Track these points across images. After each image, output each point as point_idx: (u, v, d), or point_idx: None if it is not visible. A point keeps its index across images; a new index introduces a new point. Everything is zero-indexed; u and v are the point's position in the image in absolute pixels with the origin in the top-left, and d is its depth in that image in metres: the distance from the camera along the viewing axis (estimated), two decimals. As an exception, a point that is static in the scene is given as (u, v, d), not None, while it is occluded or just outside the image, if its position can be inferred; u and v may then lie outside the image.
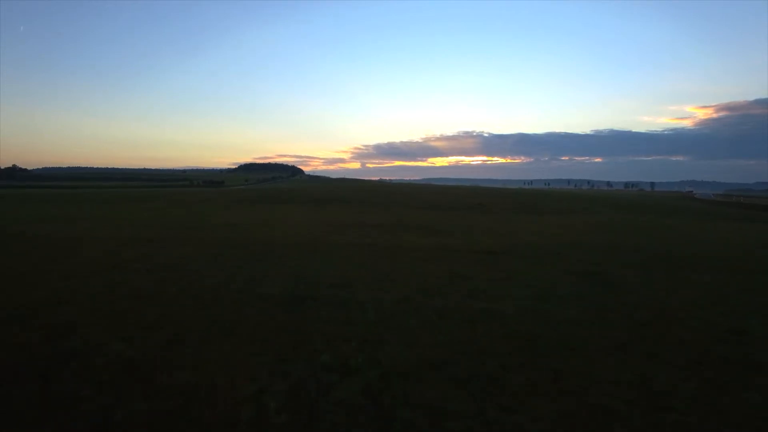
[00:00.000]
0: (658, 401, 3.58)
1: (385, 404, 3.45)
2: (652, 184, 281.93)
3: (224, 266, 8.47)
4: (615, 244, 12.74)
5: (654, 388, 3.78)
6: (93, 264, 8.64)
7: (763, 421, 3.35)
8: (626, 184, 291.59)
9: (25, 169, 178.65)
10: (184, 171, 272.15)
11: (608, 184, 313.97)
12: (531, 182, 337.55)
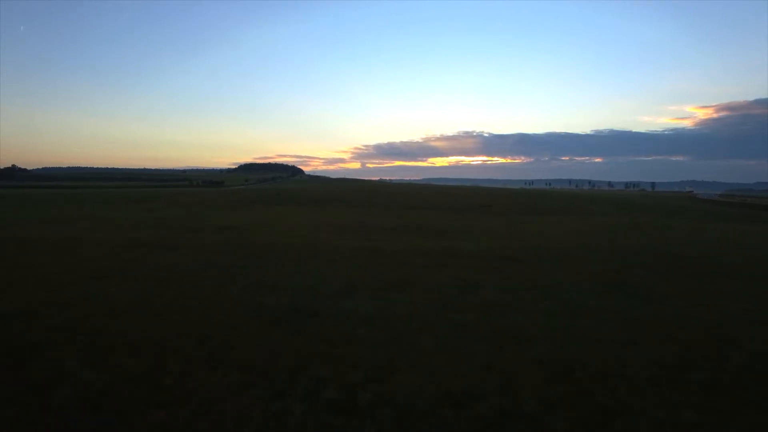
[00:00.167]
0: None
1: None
2: (653, 184, 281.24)
3: (218, 274, 7.81)
4: (633, 248, 12.07)
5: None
6: (75, 271, 7.99)
7: None
8: (627, 184, 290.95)
9: (25, 169, 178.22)
10: (184, 171, 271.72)
11: (609, 184, 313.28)
12: (532, 182, 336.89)
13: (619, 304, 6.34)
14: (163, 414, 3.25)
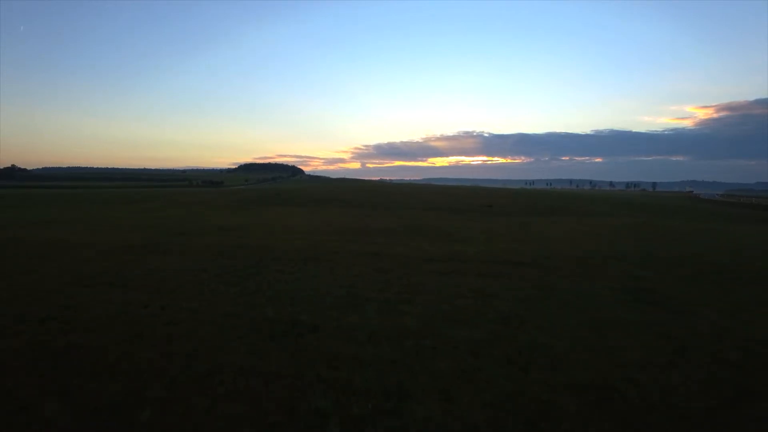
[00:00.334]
0: None
1: None
2: (654, 184, 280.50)
3: (211, 281, 7.27)
4: (652, 252, 11.52)
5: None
6: (60, 276, 7.45)
7: None
8: (627, 184, 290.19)
9: (25, 169, 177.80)
10: (184, 171, 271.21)
11: (611, 184, 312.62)
12: (532, 182, 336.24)
13: (648, 315, 5.80)
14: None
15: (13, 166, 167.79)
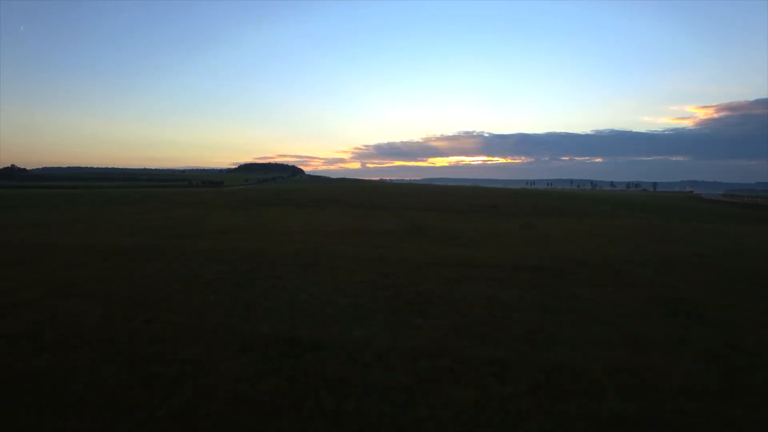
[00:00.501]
0: None
1: None
2: (655, 184, 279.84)
3: (203, 290, 6.70)
4: (670, 255, 10.95)
5: None
6: (40, 284, 6.88)
7: None
8: (628, 185, 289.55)
9: (24, 169, 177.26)
10: (184, 171, 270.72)
11: (611, 184, 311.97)
12: (533, 182, 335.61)
13: (686, 329, 5.22)
14: None
15: (12, 166, 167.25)
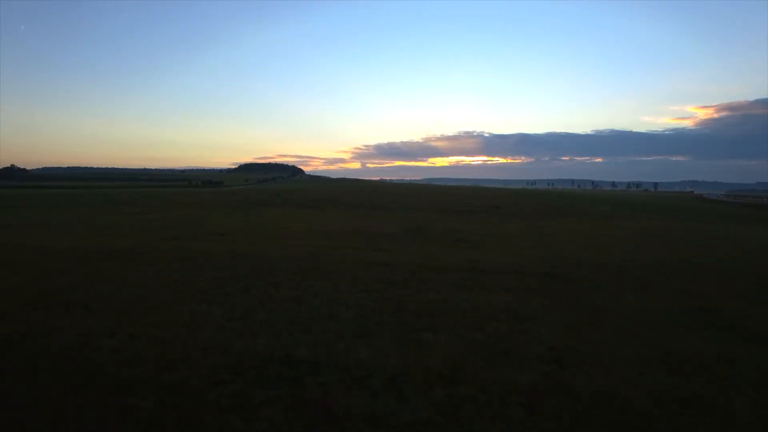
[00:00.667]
0: None
1: None
2: (656, 184, 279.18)
3: (194, 299, 6.19)
4: (689, 258, 10.43)
5: None
6: (19, 292, 6.38)
7: None
8: (629, 185, 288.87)
9: (24, 169, 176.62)
10: (183, 171, 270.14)
11: (613, 184, 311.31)
12: (534, 182, 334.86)
13: (727, 347, 4.70)
14: None
15: (12, 166, 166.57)
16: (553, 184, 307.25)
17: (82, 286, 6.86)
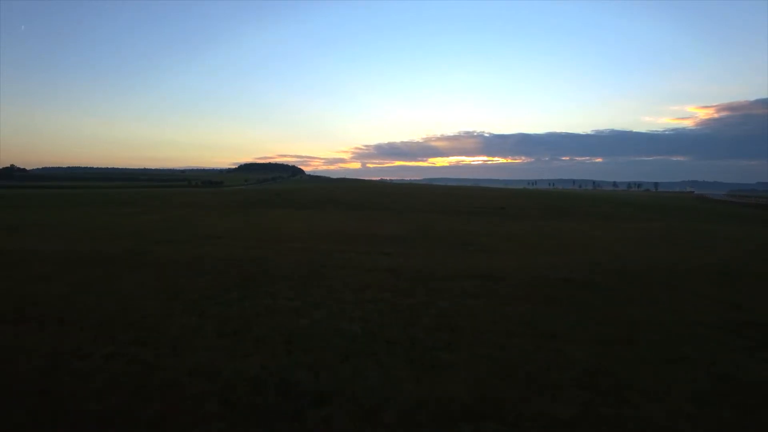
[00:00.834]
0: None
1: None
2: (656, 184, 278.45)
3: (183, 311, 5.62)
4: (717, 263, 9.86)
5: None
6: (-7, 305, 5.83)
7: None
8: (629, 185, 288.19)
9: (24, 169, 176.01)
10: (183, 171, 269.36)
11: (614, 184, 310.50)
12: (534, 182, 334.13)
13: (785, 370, 4.15)
14: None
15: (12, 166, 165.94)
16: (554, 184, 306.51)
17: (63, 297, 6.30)
